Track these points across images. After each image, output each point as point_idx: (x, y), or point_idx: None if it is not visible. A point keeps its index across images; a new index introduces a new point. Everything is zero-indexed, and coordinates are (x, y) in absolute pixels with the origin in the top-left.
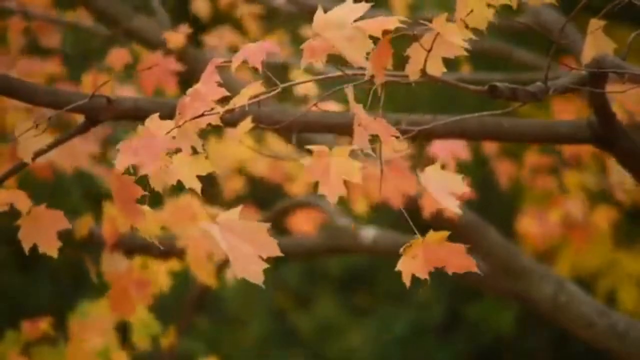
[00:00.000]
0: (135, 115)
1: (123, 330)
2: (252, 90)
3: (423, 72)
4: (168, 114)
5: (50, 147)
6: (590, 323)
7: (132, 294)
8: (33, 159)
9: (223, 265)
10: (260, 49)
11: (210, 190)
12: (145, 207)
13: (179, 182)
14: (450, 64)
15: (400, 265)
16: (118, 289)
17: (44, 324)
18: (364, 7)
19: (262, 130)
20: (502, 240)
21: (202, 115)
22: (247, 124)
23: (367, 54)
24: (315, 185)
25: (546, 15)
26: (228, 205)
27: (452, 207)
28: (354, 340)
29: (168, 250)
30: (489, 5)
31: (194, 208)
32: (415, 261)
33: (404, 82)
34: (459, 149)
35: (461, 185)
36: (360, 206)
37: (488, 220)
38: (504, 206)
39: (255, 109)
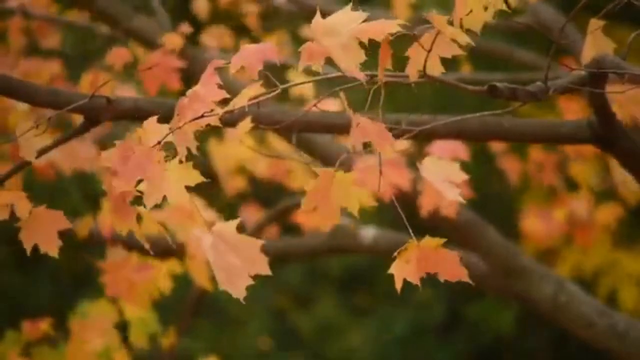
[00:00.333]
0: (135, 115)
1: (122, 330)
2: (251, 91)
3: (423, 72)
4: (167, 114)
5: (51, 147)
6: (590, 323)
7: (131, 279)
8: (36, 157)
9: None
10: (259, 52)
11: (211, 190)
12: (141, 208)
13: None
14: (450, 64)
15: (393, 269)
16: (116, 275)
17: (44, 324)
18: (361, 15)
19: (262, 130)
20: (502, 240)
21: (202, 116)
22: (247, 124)
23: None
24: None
25: (546, 15)
26: (230, 204)
27: (453, 196)
28: (354, 340)
29: (167, 250)
30: (485, 8)
31: (193, 210)
32: (408, 265)
33: (404, 83)
34: (459, 148)
35: (460, 174)
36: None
37: (488, 219)
38: (504, 205)
39: (255, 110)
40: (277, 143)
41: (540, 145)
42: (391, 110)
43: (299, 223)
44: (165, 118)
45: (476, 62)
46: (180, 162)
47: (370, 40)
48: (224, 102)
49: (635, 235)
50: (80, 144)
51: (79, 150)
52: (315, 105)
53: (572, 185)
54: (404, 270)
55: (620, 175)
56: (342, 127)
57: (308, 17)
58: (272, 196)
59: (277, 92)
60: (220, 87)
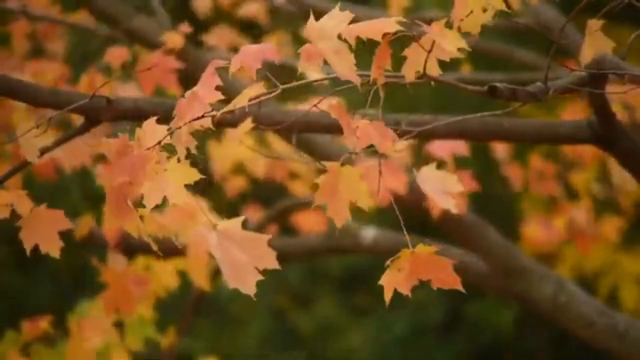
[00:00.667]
0: (135, 115)
1: (121, 330)
2: (252, 91)
3: (423, 72)
4: (167, 114)
5: (52, 147)
6: (590, 323)
7: (131, 292)
8: (38, 157)
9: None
10: (259, 53)
11: (211, 190)
12: (140, 208)
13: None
14: (450, 64)
15: (383, 280)
16: (115, 287)
17: (43, 324)
18: (348, 16)
19: (262, 130)
20: (502, 240)
21: (202, 117)
22: (247, 124)
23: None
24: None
25: (546, 15)
26: (230, 204)
27: (449, 207)
28: (354, 340)
29: (168, 250)
30: (484, 10)
31: (197, 209)
32: (399, 274)
33: (404, 83)
34: (458, 147)
35: (457, 185)
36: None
37: (488, 221)
38: (504, 208)
39: (255, 110)
40: (277, 143)
41: (541, 152)
42: (391, 110)
43: (298, 223)
44: (165, 118)
45: (476, 62)
46: (179, 161)
47: (370, 40)
48: (225, 102)
49: (636, 235)
50: (81, 143)
51: (79, 149)
52: (315, 105)
53: (572, 193)
54: (395, 279)
55: (619, 180)
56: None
57: (308, 17)
58: (271, 196)
59: (277, 92)
60: (220, 87)
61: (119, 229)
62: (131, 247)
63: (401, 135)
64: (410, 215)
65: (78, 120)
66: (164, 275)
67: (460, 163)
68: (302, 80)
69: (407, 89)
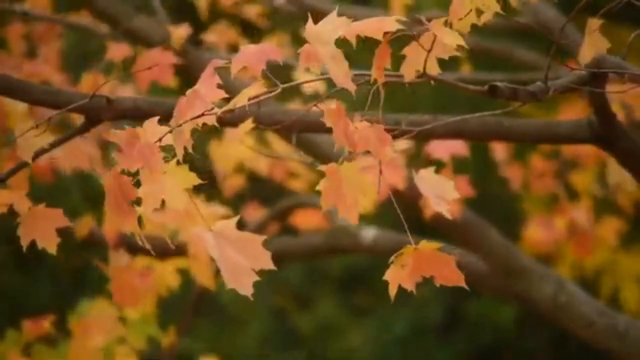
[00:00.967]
0: (135, 115)
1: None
2: (252, 90)
3: (423, 72)
4: (167, 114)
5: (51, 147)
6: (590, 323)
7: (135, 286)
8: (34, 158)
9: None
10: (261, 52)
11: (211, 189)
12: (140, 209)
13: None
14: (450, 63)
15: (387, 275)
16: (120, 281)
17: (44, 324)
18: (346, 22)
19: (262, 130)
20: (502, 240)
21: (202, 115)
22: (248, 124)
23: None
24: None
25: (546, 15)
26: (229, 204)
27: (443, 212)
28: (354, 340)
29: (167, 250)
30: (481, 12)
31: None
32: (403, 270)
33: (404, 82)
34: (458, 147)
35: (453, 192)
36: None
37: (488, 221)
38: (504, 208)
39: (255, 109)
40: (276, 143)
41: (541, 152)
42: (391, 110)
43: (297, 222)
44: (165, 118)
45: (476, 62)
46: (178, 162)
47: (370, 39)
48: (224, 101)
49: (636, 235)
50: (82, 143)
51: (80, 149)
52: (315, 105)
53: (573, 194)
54: (398, 276)
55: (618, 179)
56: None
57: (307, 18)
58: (270, 195)
59: (277, 91)
60: (220, 86)
61: (118, 229)
62: (132, 247)
63: (401, 135)
64: (410, 215)
65: (77, 120)
66: (166, 274)
67: (459, 163)
68: (302, 80)
69: (407, 89)
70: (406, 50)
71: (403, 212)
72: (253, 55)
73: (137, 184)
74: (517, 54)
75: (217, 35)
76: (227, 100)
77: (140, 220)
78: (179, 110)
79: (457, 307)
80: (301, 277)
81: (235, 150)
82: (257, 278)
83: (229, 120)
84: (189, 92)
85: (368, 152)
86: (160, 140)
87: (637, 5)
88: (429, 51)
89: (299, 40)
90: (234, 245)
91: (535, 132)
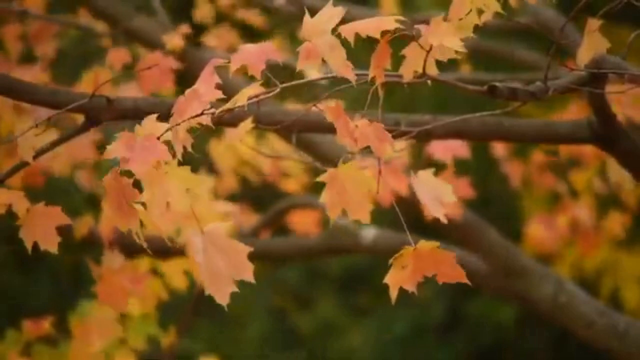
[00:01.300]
0: (135, 115)
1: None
2: (251, 90)
3: (423, 72)
4: (167, 114)
5: (51, 147)
6: (590, 323)
7: (125, 288)
8: (34, 158)
9: None
10: (259, 52)
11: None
12: (140, 209)
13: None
14: (450, 63)
15: (387, 279)
16: (110, 282)
17: (44, 324)
18: (341, 11)
19: (261, 129)
20: (502, 240)
21: (201, 114)
22: (247, 124)
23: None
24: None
25: (546, 15)
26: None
27: (439, 216)
28: (354, 340)
29: (168, 250)
30: (481, 11)
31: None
32: (404, 272)
33: (404, 83)
34: (459, 148)
35: (450, 195)
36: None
37: (489, 220)
38: (506, 206)
39: (255, 109)
40: (271, 143)
41: (543, 148)
42: (390, 110)
43: (291, 223)
44: (165, 117)
45: (476, 62)
46: (179, 162)
47: (369, 39)
48: (224, 101)
49: (637, 234)
50: (81, 143)
51: (80, 149)
52: (314, 105)
53: (574, 191)
54: (399, 278)
55: (619, 177)
56: None
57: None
58: (263, 197)
59: (277, 91)
60: (219, 86)
61: (116, 229)
62: (131, 247)
63: (401, 135)
64: (410, 215)
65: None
66: (173, 275)
67: (460, 163)
68: (301, 80)
69: (406, 89)
70: (406, 51)
71: (403, 213)
72: (252, 55)
73: (137, 185)
74: (517, 54)
75: (216, 38)
76: (226, 100)
77: (140, 221)
78: (178, 110)
79: (457, 307)
80: (301, 277)
81: (234, 149)
82: (235, 289)
83: (229, 120)
84: (188, 91)
85: (368, 152)
86: (158, 139)
87: (637, 5)
88: (428, 51)
89: (297, 42)
90: (220, 252)
91: (535, 132)
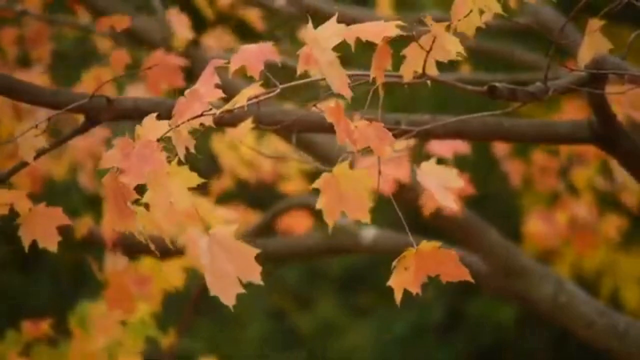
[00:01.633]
0: (135, 115)
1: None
2: (251, 90)
3: (423, 72)
4: (167, 114)
5: (51, 147)
6: (590, 323)
7: (131, 291)
8: (35, 158)
9: None
10: (259, 52)
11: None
12: (140, 209)
13: None
14: (450, 63)
15: (391, 282)
16: (116, 286)
17: (44, 324)
18: (344, 29)
19: (261, 130)
20: (502, 240)
21: (201, 115)
22: (247, 124)
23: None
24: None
25: (546, 15)
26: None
27: (448, 203)
28: (354, 340)
29: (168, 250)
30: (482, 12)
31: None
32: (407, 273)
33: (404, 83)
34: (459, 144)
35: (457, 180)
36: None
37: (489, 220)
38: (506, 205)
39: (256, 109)
40: (271, 143)
41: (543, 147)
42: (390, 110)
43: (285, 223)
44: (165, 118)
45: (476, 62)
46: (180, 162)
47: (369, 43)
48: (224, 101)
49: (636, 234)
50: (81, 143)
51: (80, 149)
52: (315, 105)
53: (575, 189)
54: (403, 279)
55: (622, 176)
56: None
57: (306, 19)
58: (261, 197)
59: (277, 92)
60: (219, 86)
61: (118, 230)
62: (132, 248)
63: (401, 134)
64: (410, 215)
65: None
66: (171, 273)
67: (460, 161)
68: (301, 80)
69: (406, 89)
70: (406, 51)
71: (403, 212)
72: (252, 55)
73: (138, 185)
74: (517, 54)
75: (216, 38)
76: (226, 100)
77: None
78: (178, 110)
79: (457, 307)
80: (301, 277)
81: (237, 149)
82: (242, 290)
83: (229, 120)
84: (188, 92)
85: (368, 152)
86: (159, 140)
87: (637, 5)
88: (428, 52)
89: (297, 42)
90: (227, 253)
91: (535, 132)
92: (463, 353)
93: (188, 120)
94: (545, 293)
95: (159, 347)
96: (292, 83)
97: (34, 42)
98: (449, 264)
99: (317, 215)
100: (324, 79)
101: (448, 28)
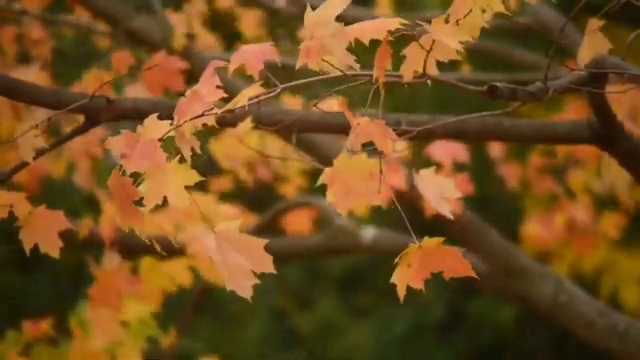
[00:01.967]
0: (135, 115)
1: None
2: (252, 90)
3: (423, 72)
4: (167, 114)
5: (51, 147)
6: (590, 323)
7: (119, 290)
8: (35, 157)
9: None
10: (259, 52)
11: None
12: (143, 209)
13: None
14: (450, 63)
15: (394, 278)
16: (103, 285)
17: (44, 324)
18: (344, 2)
19: (262, 130)
20: (502, 240)
21: (202, 115)
22: (247, 124)
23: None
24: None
25: (546, 15)
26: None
27: (444, 212)
28: (354, 340)
29: (169, 249)
30: (483, 11)
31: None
32: (410, 270)
33: (404, 82)
34: (458, 151)
35: (454, 191)
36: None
37: (488, 221)
38: (505, 207)
39: (256, 109)
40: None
41: (539, 150)
42: (391, 110)
43: (284, 223)
44: (166, 118)
45: (476, 62)
46: (180, 161)
47: (371, 40)
48: (224, 101)
49: (635, 234)
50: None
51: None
52: (315, 105)
53: (572, 191)
54: (406, 276)
55: (615, 177)
56: (343, 127)
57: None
58: (260, 198)
59: (277, 92)
60: (219, 87)
61: (117, 229)
62: (132, 247)
63: (401, 134)
64: (409, 215)
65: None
66: (177, 272)
67: (458, 163)
68: (301, 80)
69: (406, 89)
70: (406, 51)
71: (405, 213)
72: (252, 55)
73: (140, 184)
74: (517, 54)
75: (216, 38)
76: (227, 101)
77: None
78: (179, 111)
79: (457, 307)
80: (301, 277)
81: (236, 148)
82: (257, 281)
83: (230, 120)
84: (188, 92)
85: (370, 151)
86: (161, 139)
87: (636, 5)
88: (428, 52)
89: (296, 42)
90: (236, 247)
91: (535, 132)
92: (463, 353)
93: (190, 119)
94: (545, 293)
95: (159, 347)
96: (292, 83)
97: (33, 41)
98: (452, 261)
99: (317, 215)
100: (324, 77)
101: (447, 21)
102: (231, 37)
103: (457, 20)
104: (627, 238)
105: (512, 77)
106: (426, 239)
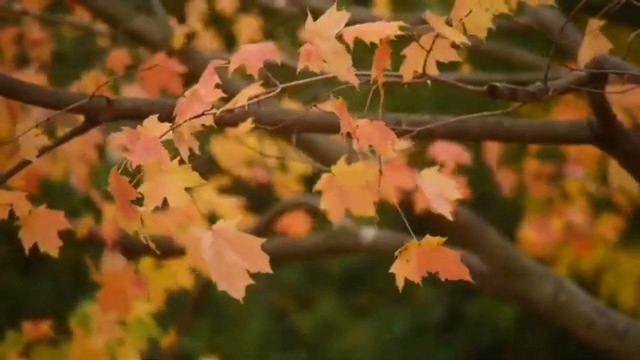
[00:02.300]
0: (135, 115)
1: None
2: (251, 90)
3: (423, 72)
4: (167, 114)
5: (51, 147)
6: (590, 323)
7: (127, 293)
8: (37, 156)
9: None
10: (259, 52)
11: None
12: (142, 209)
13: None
14: (450, 63)
15: (393, 268)
16: (111, 288)
17: (44, 325)
18: (345, 16)
19: (262, 130)
20: (502, 241)
21: (202, 114)
22: (247, 124)
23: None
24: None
25: (546, 15)
26: None
27: (444, 212)
28: (354, 340)
29: (169, 250)
30: (487, 10)
31: (193, 209)
32: (409, 265)
33: (404, 82)
34: (459, 152)
35: (455, 192)
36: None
37: (488, 221)
38: (504, 210)
39: (256, 109)
40: (270, 144)
41: (535, 154)
42: (391, 110)
43: (287, 226)
44: (165, 118)
45: (476, 62)
46: (180, 162)
47: (371, 44)
48: (224, 101)
49: (634, 235)
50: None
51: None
52: (315, 105)
53: (569, 194)
54: (404, 269)
55: (617, 180)
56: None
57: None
58: (259, 198)
59: (277, 91)
60: (219, 86)
61: (118, 230)
62: (133, 248)
63: (401, 134)
64: (410, 215)
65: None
66: (178, 273)
67: (461, 167)
68: (301, 80)
69: (406, 89)
70: (406, 51)
71: (404, 213)
72: (252, 55)
73: (138, 184)
74: (517, 54)
75: (216, 38)
76: (226, 100)
77: (141, 219)
78: (179, 111)
79: (457, 307)
80: (301, 277)
81: (236, 149)
82: (251, 281)
83: (229, 120)
84: (188, 92)
85: (369, 152)
86: (161, 138)
87: (636, 5)
88: (429, 51)
89: (297, 42)
90: (233, 245)
91: (535, 132)
92: (463, 353)
93: (189, 119)
94: (545, 293)
95: (159, 347)
96: (292, 83)
97: (33, 42)
98: (450, 262)
99: (317, 215)
100: (324, 77)
101: (448, 23)
102: (231, 37)
103: (460, 19)
104: (627, 238)
105: (512, 77)
106: (427, 237)
